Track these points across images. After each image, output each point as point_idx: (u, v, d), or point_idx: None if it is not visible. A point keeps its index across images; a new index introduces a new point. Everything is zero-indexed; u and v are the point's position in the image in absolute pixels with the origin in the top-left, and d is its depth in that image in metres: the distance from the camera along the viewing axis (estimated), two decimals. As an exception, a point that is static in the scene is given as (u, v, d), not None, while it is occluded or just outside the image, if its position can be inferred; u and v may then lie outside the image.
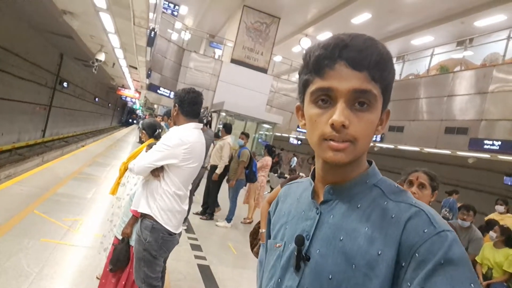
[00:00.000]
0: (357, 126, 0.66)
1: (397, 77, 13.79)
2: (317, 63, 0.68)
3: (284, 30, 16.94)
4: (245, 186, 6.74)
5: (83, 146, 17.10)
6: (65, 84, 19.98)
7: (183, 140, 2.24)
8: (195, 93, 2.45)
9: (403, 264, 0.61)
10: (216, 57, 18.08)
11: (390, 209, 0.67)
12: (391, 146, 12.38)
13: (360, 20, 14.17)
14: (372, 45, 0.67)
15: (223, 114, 14.27)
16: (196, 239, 5.16)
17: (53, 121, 19.80)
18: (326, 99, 0.68)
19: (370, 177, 0.73)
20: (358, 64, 0.65)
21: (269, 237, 0.90)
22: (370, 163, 0.77)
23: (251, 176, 6.45)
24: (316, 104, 0.69)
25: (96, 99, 32.78)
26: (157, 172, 2.24)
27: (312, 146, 0.72)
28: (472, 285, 0.56)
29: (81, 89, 25.17)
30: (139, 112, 60.03)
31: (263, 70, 15.93)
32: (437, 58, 12.76)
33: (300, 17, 15.92)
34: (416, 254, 0.59)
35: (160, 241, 2.22)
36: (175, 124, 2.40)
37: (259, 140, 16.09)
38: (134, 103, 38.06)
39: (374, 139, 9.21)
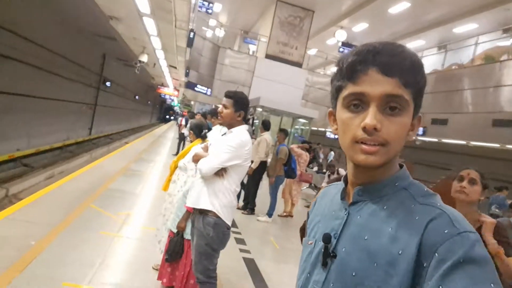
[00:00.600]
0: (389, 130, 0.68)
1: (439, 68, 13.27)
2: (350, 69, 0.71)
3: (318, 23, 16.75)
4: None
5: (127, 143, 17.91)
6: (108, 83, 20.95)
7: (244, 141, 2.45)
8: (247, 96, 2.63)
9: (424, 264, 0.61)
10: (251, 53, 18.21)
11: (416, 211, 0.67)
12: (434, 140, 11.97)
13: (398, 9, 13.74)
14: (403, 52, 0.70)
15: (259, 109, 14.41)
16: (239, 233, 5.35)
17: (98, 119, 20.84)
18: (358, 103, 0.70)
19: (400, 180, 0.74)
20: (389, 70, 0.67)
21: (306, 235, 0.95)
22: (401, 166, 0.78)
23: (289, 173, 6.53)
24: (348, 109, 0.72)
25: (137, 97, 34.02)
26: (221, 172, 2.42)
27: (344, 149, 0.74)
28: (492, 285, 0.55)
29: (122, 87, 26.24)
30: (176, 108, 61.16)
31: (298, 65, 15.88)
32: (481, 47, 12.14)
33: (334, 9, 15.67)
34: (436, 254, 0.60)
35: (221, 235, 2.42)
36: (231, 126, 2.54)
37: (295, 135, 16.10)
38: (173, 100, 39.14)
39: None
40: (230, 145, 2.39)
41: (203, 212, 2.41)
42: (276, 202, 6.50)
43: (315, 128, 22.03)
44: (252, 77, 15.70)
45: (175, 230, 2.98)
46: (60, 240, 3.76)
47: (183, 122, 13.45)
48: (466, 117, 10.58)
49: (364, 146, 0.68)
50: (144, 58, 10.39)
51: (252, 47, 19.79)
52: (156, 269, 3.34)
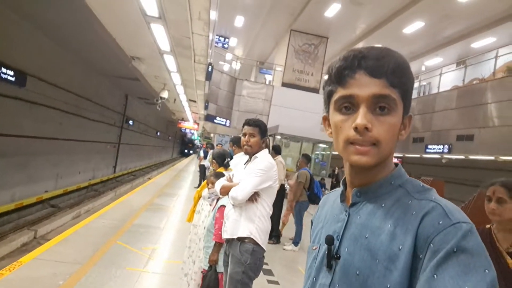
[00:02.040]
0: (380, 129, 0.70)
1: (459, 83, 13.04)
2: (338, 74, 0.74)
3: (333, 49, 16.95)
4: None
5: (150, 178, 18.16)
6: (130, 122, 21.62)
7: (272, 163, 2.49)
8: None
9: (420, 256, 0.62)
10: (267, 82, 18.50)
11: (412, 206, 0.69)
12: (461, 157, 11.57)
13: (413, 29, 13.77)
14: (388, 54, 0.72)
15: (278, 137, 14.42)
16: (266, 263, 5.19)
17: (121, 157, 21.37)
18: (349, 106, 0.73)
19: (395, 178, 0.76)
20: (376, 71, 0.70)
21: (310, 241, 0.95)
22: (396, 165, 0.80)
23: (312, 198, 6.37)
24: (340, 112, 0.74)
25: (158, 133, 34.88)
26: (254, 196, 2.42)
27: (338, 151, 0.75)
28: (486, 271, 0.56)
29: (144, 125, 27.02)
30: (197, 142, 62.01)
31: (315, 90, 15.96)
32: (502, 59, 11.90)
33: (348, 34, 15.86)
34: (431, 245, 0.61)
35: (258, 262, 2.38)
36: (254, 152, 2.56)
37: (316, 160, 15.92)
38: (193, 134, 39.87)
39: (441, 150, 8.57)
40: (260, 168, 2.42)
41: (240, 239, 2.39)
42: (301, 229, 6.32)
43: (336, 153, 21.76)
44: (269, 105, 15.85)
45: (206, 267, 2.91)
46: (88, 278, 3.74)
47: (202, 154, 13.57)
48: (492, 131, 10.21)
49: (357, 147, 0.70)
50: (165, 94, 10.71)
51: (268, 77, 20.14)
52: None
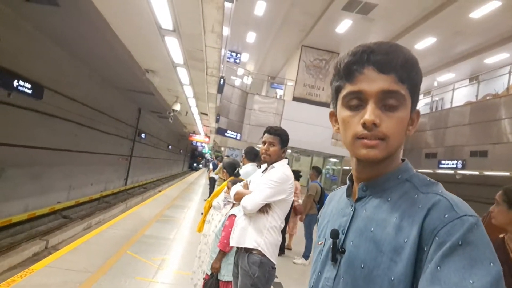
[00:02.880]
0: (388, 124, 0.70)
1: (472, 99, 12.91)
2: (347, 69, 0.73)
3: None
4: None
5: (160, 191, 18.22)
6: (143, 135, 21.88)
7: (288, 175, 2.39)
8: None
9: (425, 248, 0.62)
10: (278, 97, 18.62)
11: (419, 200, 0.69)
12: (475, 173, 11.35)
13: (425, 45, 13.78)
14: (397, 49, 0.72)
15: (289, 151, 14.41)
16: (276, 277, 5.11)
17: (133, 169, 21.56)
18: (357, 101, 0.72)
19: (402, 173, 0.76)
20: (384, 67, 0.70)
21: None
22: (403, 160, 0.79)
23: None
24: (348, 108, 0.74)
25: (169, 146, 35.15)
26: (265, 208, 2.35)
27: (346, 146, 0.76)
28: (492, 264, 0.56)
29: (156, 138, 27.30)
30: (207, 155, 61.57)
31: (326, 105, 15.98)
32: (516, 74, 11.76)
33: (359, 50, 15.91)
34: (437, 237, 0.61)
35: (267, 275, 2.28)
36: (272, 162, 2.48)
37: (327, 175, 15.81)
38: (204, 147, 40.09)
39: (454, 166, 8.43)
40: (274, 180, 2.33)
41: (248, 251, 2.32)
42: (311, 242, 6.21)
43: (347, 168, 21.60)
44: (280, 120, 15.89)
45: (209, 273, 2.89)
46: (97, 286, 3.75)
47: (211, 167, 13.61)
48: (507, 147, 10.02)
49: (365, 141, 0.70)
50: (177, 107, 10.86)
51: (279, 91, 20.28)
52: (193, 314, 3.21)
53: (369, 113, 0.69)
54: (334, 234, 0.77)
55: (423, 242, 0.63)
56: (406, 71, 0.71)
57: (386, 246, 0.67)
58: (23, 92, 8.82)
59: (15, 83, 8.53)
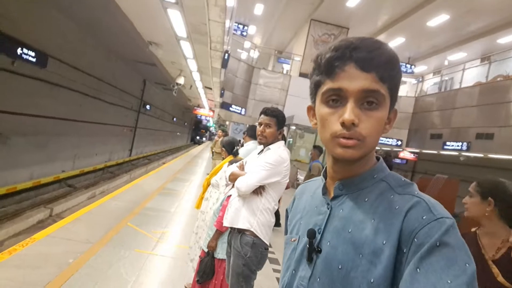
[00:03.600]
0: (366, 124, 0.69)
1: (483, 80, 12.63)
2: (328, 65, 0.71)
3: (352, 40, 16.63)
4: None
5: (164, 163, 18.40)
6: (147, 106, 21.87)
7: (283, 157, 2.37)
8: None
9: (404, 250, 0.63)
10: (284, 72, 18.35)
11: (395, 201, 0.69)
12: (480, 155, 11.27)
13: (437, 22, 13.37)
14: (380, 47, 0.70)
15: (293, 128, 14.35)
16: (273, 253, 5.21)
17: (138, 141, 21.71)
18: (336, 99, 0.71)
19: (378, 172, 0.76)
20: (366, 65, 0.68)
21: (286, 232, 0.94)
22: (378, 159, 0.79)
23: None
24: (327, 104, 0.73)
25: (174, 119, 35.20)
26: (259, 189, 2.35)
27: (323, 144, 0.75)
28: (467, 265, 0.57)
29: (161, 110, 27.29)
30: (212, 129, 60.94)
31: (333, 82, 15.76)
32: (530, 56, 11.45)
33: (370, 25, 15.52)
34: (415, 239, 0.62)
35: (259, 256, 2.31)
36: (269, 144, 2.47)
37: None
38: (208, 121, 40.10)
39: (459, 147, 8.36)
40: (269, 162, 2.32)
41: (241, 232, 2.34)
42: None
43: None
44: (286, 95, 15.74)
45: (206, 250, 2.94)
46: (97, 257, 3.84)
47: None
48: (514, 130, 9.89)
49: (342, 140, 0.70)
50: (181, 80, 10.76)
51: (286, 67, 19.98)
52: (189, 288, 3.30)
53: (348, 112, 0.68)
54: (311, 234, 0.77)
55: (403, 244, 0.64)
56: (388, 70, 0.70)
57: (365, 249, 0.67)
58: (27, 60, 8.77)
59: (19, 50, 8.47)
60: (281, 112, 2.50)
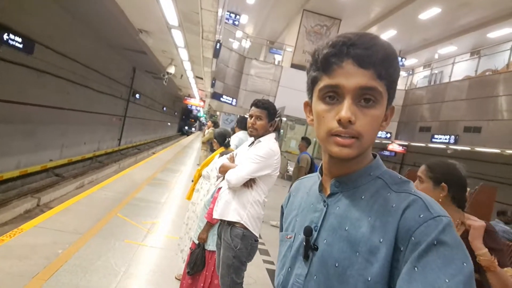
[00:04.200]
0: (363, 122, 0.68)
1: (472, 74, 12.76)
2: (325, 61, 0.71)
3: (345, 31, 16.52)
4: None
5: (154, 153, 18.28)
6: (137, 95, 21.59)
7: (274, 150, 2.35)
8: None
9: (401, 249, 0.63)
10: (276, 62, 18.25)
11: (391, 199, 0.69)
12: (467, 148, 11.45)
13: (429, 15, 13.40)
14: (378, 43, 0.69)
15: (284, 119, 14.34)
16: (263, 244, 5.25)
17: (127, 130, 21.48)
18: (333, 95, 0.70)
19: (374, 170, 0.76)
20: (364, 62, 0.68)
21: (281, 229, 0.94)
22: (374, 156, 0.79)
23: None
24: (323, 101, 0.72)
25: (164, 108, 34.87)
26: (250, 182, 2.34)
27: (320, 141, 0.74)
28: (464, 264, 0.58)
29: (151, 99, 26.99)
30: (202, 119, 58.05)
31: (324, 74, 15.75)
32: (518, 51, 11.56)
33: (362, 17, 15.48)
34: (413, 238, 0.61)
35: (250, 247, 2.32)
36: (259, 136, 2.45)
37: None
38: (199, 111, 39.83)
39: (447, 141, 8.46)
40: (259, 155, 2.30)
41: (231, 224, 2.34)
42: None
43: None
44: (277, 86, 15.67)
45: (197, 242, 2.94)
46: (87, 248, 3.81)
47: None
48: (501, 124, 10.04)
49: (338, 139, 0.69)
50: (171, 69, 10.61)
51: (278, 57, 19.86)
52: (179, 279, 3.30)
53: (345, 110, 0.67)
54: (308, 231, 0.76)
55: (399, 242, 0.63)
56: (385, 67, 0.69)
57: (362, 247, 0.67)
58: (13, 46, 8.54)
59: (5, 36, 8.25)
60: (272, 104, 2.48)
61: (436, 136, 12.36)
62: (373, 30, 16.24)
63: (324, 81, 0.71)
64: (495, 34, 13.69)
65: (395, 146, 16.53)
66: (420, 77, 17.92)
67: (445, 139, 11.81)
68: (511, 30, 13.04)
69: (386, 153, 17.22)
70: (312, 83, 0.76)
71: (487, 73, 12.00)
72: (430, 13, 13.21)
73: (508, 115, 9.87)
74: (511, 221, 5.92)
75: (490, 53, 13.34)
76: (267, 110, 2.42)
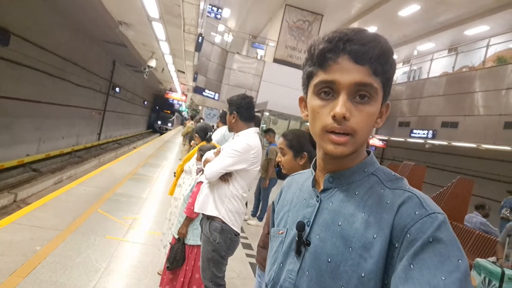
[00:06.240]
0: (358, 119, 0.68)
1: (449, 70, 13.09)
2: (321, 56, 0.70)
3: (327, 27, 16.68)
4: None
5: (135, 148, 18.00)
6: (117, 89, 21.16)
7: (251, 145, 2.35)
8: (249, 97, 2.54)
9: (396, 245, 0.63)
10: (259, 57, 18.22)
11: (386, 195, 0.69)
12: (444, 143, 11.78)
13: (408, 12, 13.63)
14: (374, 39, 0.69)
15: (267, 113, 14.37)
16: (246, 238, 5.28)
17: (107, 124, 21.05)
18: (328, 91, 0.70)
19: (368, 166, 0.76)
20: (360, 58, 0.67)
21: (273, 225, 0.93)
22: (368, 153, 0.79)
23: (281, 174, 6.28)
24: (318, 96, 0.72)
25: (145, 102, 34.31)
26: (226, 176, 2.35)
27: (314, 137, 0.75)
28: (460, 261, 0.57)
29: (131, 93, 26.50)
30: (184, 114, 50.87)
31: (306, 69, 15.82)
32: (493, 48, 11.92)
33: (344, 13, 15.60)
34: (408, 235, 0.61)
35: (229, 241, 2.33)
36: (237, 130, 2.48)
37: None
38: (181, 105, 39.27)
39: (425, 135, 8.68)
40: (235, 149, 2.31)
41: (210, 218, 2.35)
42: (267, 205, 6.21)
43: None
44: (260, 81, 15.68)
45: (177, 236, 2.93)
46: (66, 244, 3.74)
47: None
48: (477, 119, 10.37)
49: (333, 137, 0.69)
50: (152, 63, 10.44)
51: (260, 52, 19.83)
52: (161, 275, 3.29)
53: (340, 106, 0.67)
54: (300, 226, 0.75)
55: (394, 239, 0.63)
56: (381, 64, 0.69)
57: (355, 242, 0.67)
58: (-14, 37, 8.23)
59: (-23, 27, 7.93)
60: (234, 97, 2.51)
61: (415, 131, 12.65)
62: (354, 26, 16.35)
63: (320, 77, 0.71)
64: (472, 31, 14.05)
65: (376, 141, 16.82)
66: (399, 73, 18.25)
67: (424, 134, 12.11)
68: (487, 28, 13.41)
69: (367, 147, 17.49)
70: (307, 78, 0.76)
71: (464, 70, 12.32)
72: (410, 10, 13.44)
73: (484, 110, 10.19)
74: (488, 214, 6.16)
75: (467, 50, 13.71)
76: (229, 103, 2.49)
